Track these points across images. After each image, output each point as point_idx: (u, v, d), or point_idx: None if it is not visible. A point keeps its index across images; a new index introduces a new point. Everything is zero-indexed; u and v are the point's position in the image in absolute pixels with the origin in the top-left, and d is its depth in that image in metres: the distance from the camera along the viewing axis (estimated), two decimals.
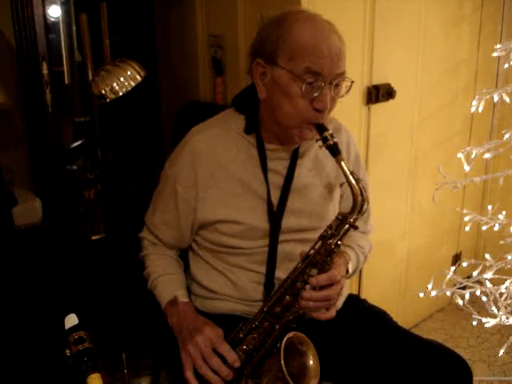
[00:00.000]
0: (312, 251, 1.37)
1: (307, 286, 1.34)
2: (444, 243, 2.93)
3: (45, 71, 2.35)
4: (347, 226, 1.35)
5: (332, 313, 1.39)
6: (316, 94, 1.33)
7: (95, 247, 2.56)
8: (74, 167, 2.74)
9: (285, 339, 1.24)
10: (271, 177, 1.48)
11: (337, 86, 1.37)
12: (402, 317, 2.66)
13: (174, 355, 1.42)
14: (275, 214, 1.48)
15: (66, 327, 1.07)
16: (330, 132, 1.35)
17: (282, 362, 1.19)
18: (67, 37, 2.64)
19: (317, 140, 1.37)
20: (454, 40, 2.56)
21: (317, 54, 1.31)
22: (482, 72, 2.76)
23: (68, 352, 1.04)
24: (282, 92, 1.36)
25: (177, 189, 1.49)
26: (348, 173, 1.34)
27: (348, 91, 1.42)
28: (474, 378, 1.46)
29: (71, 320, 1.08)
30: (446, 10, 2.48)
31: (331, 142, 1.34)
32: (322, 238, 1.37)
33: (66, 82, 2.67)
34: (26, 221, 2.28)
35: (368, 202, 1.36)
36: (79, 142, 2.76)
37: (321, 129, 1.36)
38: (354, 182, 1.33)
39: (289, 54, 1.33)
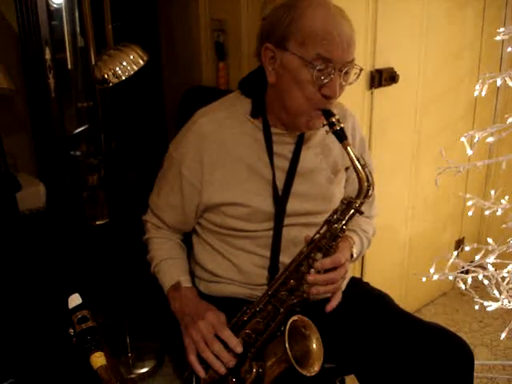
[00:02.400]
0: (317, 235, 1.38)
1: (312, 270, 1.35)
2: (447, 228, 2.93)
3: (48, 56, 2.34)
4: (353, 210, 1.36)
5: (337, 299, 1.41)
6: (326, 81, 1.34)
7: (99, 232, 2.57)
8: (78, 153, 2.74)
9: (289, 322, 1.24)
10: (277, 160, 1.49)
11: (346, 73, 1.37)
12: (405, 301, 2.67)
13: (177, 339, 1.43)
14: (280, 198, 1.48)
15: (70, 307, 1.08)
16: (337, 117, 1.35)
17: (287, 345, 1.20)
18: (70, 22, 2.63)
19: (323, 125, 1.38)
20: (457, 24, 2.55)
21: (328, 40, 1.31)
22: (485, 56, 2.75)
23: (72, 331, 1.05)
24: (292, 77, 1.36)
25: (182, 171, 1.50)
26: (354, 158, 1.34)
27: (357, 78, 1.43)
28: (475, 362, 1.47)
29: (75, 300, 1.09)
30: None
31: (338, 128, 1.34)
32: (328, 222, 1.38)
33: (69, 67, 2.67)
34: (30, 206, 2.28)
35: (374, 188, 1.36)
36: (82, 128, 2.76)
37: (328, 114, 1.36)
38: (360, 167, 1.33)
39: (300, 40, 1.32)
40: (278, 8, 1.39)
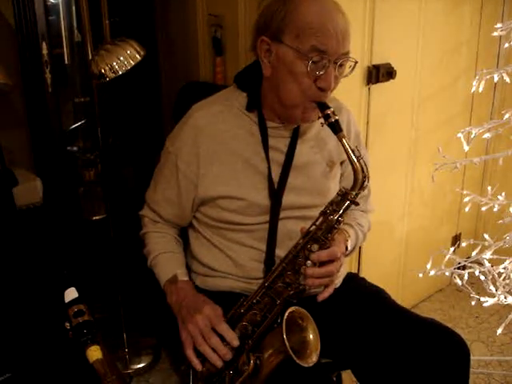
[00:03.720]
0: (313, 227, 1.38)
1: (308, 262, 1.35)
2: (444, 224, 2.94)
3: (44, 51, 2.33)
4: (348, 202, 1.36)
5: (330, 290, 1.41)
6: (321, 73, 1.35)
7: (96, 227, 2.57)
8: (75, 148, 2.74)
9: (286, 314, 1.25)
10: (272, 154, 1.49)
11: (341, 65, 1.38)
12: (402, 297, 2.68)
13: (174, 335, 1.43)
14: (276, 191, 1.49)
15: (66, 301, 1.08)
16: (332, 109, 1.36)
17: (285, 336, 1.20)
18: (67, 17, 2.63)
19: (319, 117, 1.38)
20: (455, 20, 2.55)
21: (323, 32, 1.32)
22: (483, 52, 2.75)
23: (68, 325, 1.05)
24: (287, 70, 1.37)
25: (178, 165, 1.50)
26: (349, 150, 1.34)
27: (352, 71, 1.43)
28: (472, 358, 1.47)
29: (71, 294, 1.09)
30: None
31: (333, 120, 1.35)
32: (324, 213, 1.38)
33: (66, 62, 2.66)
34: (26, 201, 2.28)
35: (369, 179, 1.36)
36: (79, 123, 2.76)
37: (323, 106, 1.37)
38: (355, 158, 1.34)
39: (295, 33, 1.33)
40: (273, 1, 1.40)
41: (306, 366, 1.22)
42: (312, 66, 1.33)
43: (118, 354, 2.44)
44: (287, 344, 1.20)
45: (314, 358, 1.25)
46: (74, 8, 2.63)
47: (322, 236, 1.36)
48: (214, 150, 1.48)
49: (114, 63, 1.95)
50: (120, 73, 1.97)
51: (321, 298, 1.41)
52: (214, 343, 1.32)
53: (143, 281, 1.78)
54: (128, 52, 1.98)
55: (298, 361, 1.21)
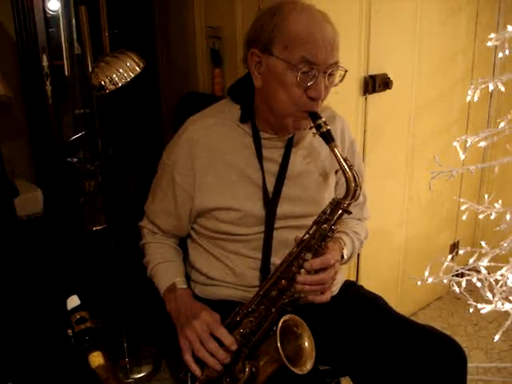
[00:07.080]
0: (307, 236, 1.39)
1: (302, 270, 1.37)
2: (442, 232, 2.95)
3: (45, 63, 2.36)
4: (341, 211, 1.37)
5: (327, 296, 1.42)
6: (310, 83, 1.36)
7: (96, 238, 2.59)
8: (75, 159, 2.76)
9: (281, 322, 1.26)
10: (266, 165, 1.51)
11: (331, 75, 1.39)
12: (400, 305, 2.68)
13: (174, 344, 1.44)
14: (270, 201, 1.50)
15: (68, 308, 1.09)
16: (324, 119, 1.37)
17: (279, 345, 1.22)
18: (67, 29, 2.66)
19: (310, 128, 1.40)
20: (450, 29, 2.57)
21: (312, 43, 1.33)
22: (479, 61, 2.77)
23: (70, 332, 1.07)
24: (277, 81, 1.38)
25: (175, 177, 1.52)
26: (341, 159, 1.36)
27: (341, 80, 1.45)
28: (471, 365, 1.48)
29: (73, 301, 1.10)
30: None
31: (324, 130, 1.36)
32: (317, 222, 1.39)
33: (66, 74, 2.69)
34: (27, 211, 2.30)
35: (361, 188, 1.38)
36: (80, 134, 2.78)
37: (314, 116, 1.38)
38: (347, 168, 1.36)
39: (284, 44, 1.35)
40: (262, 14, 1.42)
41: (300, 373, 1.23)
42: (302, 77, 1.35)
43: (119, 363, 2.45)
44: (281, 352, 1.21)
45: (309, 366, 1.26)
46: (73, 20, 2.66)
47: (315, 245, 1.37)
48: (209, 162, 1.49)
49: (114, 75, 1.98)
50: (120, 85, 1.99)
51: (317, 300, 1.41)
52: (212, 348, 1.33)
53: (143, 290, 1.79)
54: (127, 64, 2.00)
55: (292, 368, 1.22)
